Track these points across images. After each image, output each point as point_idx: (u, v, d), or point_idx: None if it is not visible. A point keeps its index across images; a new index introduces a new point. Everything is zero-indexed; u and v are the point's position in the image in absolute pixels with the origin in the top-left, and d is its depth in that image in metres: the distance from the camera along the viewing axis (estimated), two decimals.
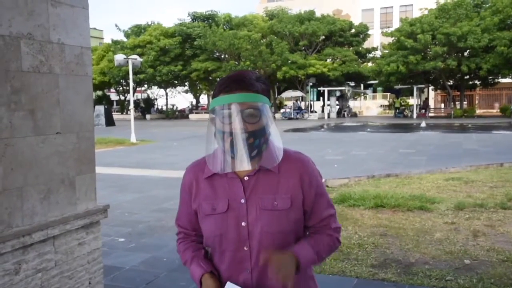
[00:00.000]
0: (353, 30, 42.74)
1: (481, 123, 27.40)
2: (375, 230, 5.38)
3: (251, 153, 1.37)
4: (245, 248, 1.46)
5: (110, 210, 3.18)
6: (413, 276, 3.97)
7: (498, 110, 42.49)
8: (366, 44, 44.96)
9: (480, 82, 39.82)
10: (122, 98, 52.50)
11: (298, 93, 40.92)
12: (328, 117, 39.46)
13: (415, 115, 37.43)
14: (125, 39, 47.00)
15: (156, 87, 50.50)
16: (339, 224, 1.58)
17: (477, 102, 50.33)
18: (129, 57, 21.37)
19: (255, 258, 1.46)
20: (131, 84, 20.62)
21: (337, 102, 41.26)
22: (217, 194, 1.50)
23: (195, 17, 45.77)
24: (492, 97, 50.07)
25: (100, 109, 31.74)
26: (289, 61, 38.52)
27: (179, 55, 42.89)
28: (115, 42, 45.85)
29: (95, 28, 68.03)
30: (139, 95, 55.26)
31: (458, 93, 40.82)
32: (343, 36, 41.75)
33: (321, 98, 43.54)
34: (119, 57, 20.86)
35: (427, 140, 17.18)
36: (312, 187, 1.50)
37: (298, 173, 1.49)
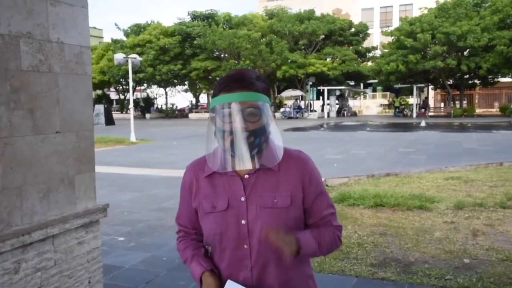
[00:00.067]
0: (352, 29, 42.73)
1: (481, 123, 27.41)
2: (375, 229, 5.38)
3: (251, 152, 1.37)
4: (245, 246, 1.46)
5: (110, 209, 3.18)
6: (412, 275, 3.97)
7: (498, 110, 42.51)
8: (366, 43, 44.96)
9: (479, 81, 39.85)
10: (122, 97, 52.48)
11: (297, 92, 40.93)
12: (328, 116, 39.46)
13: (414, 114, 37.44)
14: (124, 38, 46.99)
15: (155, 86, 50.49)
16: (339, 223, 1.59)
17: (476, 101, 50.33)
18: (129, 56, 21.38)
19: (255, 256, 1.46)
20: (131, 83, 20.62)
21: (336, 101, 41.25)
22: (217, 193, 1.50)
23: (194, 16, 45.76)
24: (492, 96, 50.08)
25: (100, 108, 31.72)
26: (289, 60, 38.52)
27: (178, 54, 42.88)
28: (115, 41, 45.83)
29: (94, 27, 68.02)
30: (138, 94, 55.24)
31: (458, 92, 40.83)
32: (342, 35, 41.74)
33: (321, 97, 43.53)
34: (119, 56, 20.85)
35: (426, 139, 17.18)
36: (312, 185, 1.51)
37: (298, 171, 1.50)
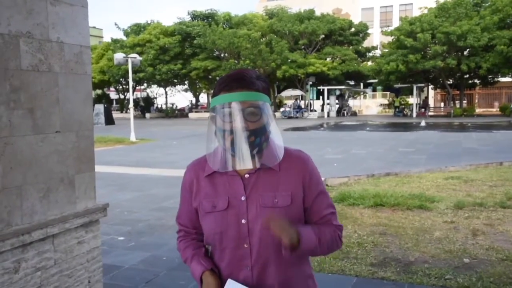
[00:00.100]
0: (352, 29, 42.72)
1: (481, 122, 27.41)
2: (375, 229, 5.38)
3: (252, 151, 1.37)
4: (245, 246, 1.46)
5: (110, 209, 3.18)
6: (412, 275, 3.98)
7: (498, 109, 42.51)
8: (366, 43, 44.95)
9: (479, 81, 39.84)
10: (122, 97, 52.46)
11: (297, 92, 40.92)
12: (328, 116, 39.46)
13: (414, 114, 37.44)
14: (124, 38, 46.97)
15: (155, 86, 50.48)
16: (340, 223, 1.58)
17: (476, 101, 50.33)
18: (129, 55, 21.37)
19: (256, 255, 1.46)
20: (131, 83, 20.62)
21: (336, 101, 41.26)
22: (217, 192, 1.50)
23: (194, 16, 45.75)
24: (492, 96, 50.09)
25: (100, 107, 31.72)
26: (289, 60, 38.52)
27: (178, 53, 42.87)
28: (115, 41, 45.81)
29: (94, 27, 67.97)
30: (138, 94, 55.24)
31: (458, 92, 40.82)
32: (342, 35, 41.73)
33: (321, 97, 43.52)
34: (119, 56, 20.85)
35: (426, 139, 17.18)
36: (312, 184, 1.51)
37: (299, 171, 1.50)
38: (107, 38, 54.02)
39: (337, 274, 4.07)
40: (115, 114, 39.71)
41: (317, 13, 43.00)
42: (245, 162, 1.37)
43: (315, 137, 19.22)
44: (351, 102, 46.54)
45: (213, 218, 1.49)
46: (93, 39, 58.18)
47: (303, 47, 41.15)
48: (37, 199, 2.52)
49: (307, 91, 42.19)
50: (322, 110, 41.71)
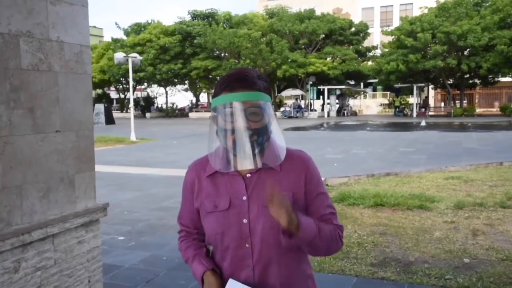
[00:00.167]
0: (353, 29, 42.72)
1: (481, 122, 27.40)
2: (375, 229, 5.38)
3: (254, 151, 1.37)
4: (247, 245, 1.46)
5: (110, 209, 3.17)
6: (412, 275, 3.97)
7: (498, 109, 42.51)
8: (366, 43, 44.95)
9: (480, 81, 39.84)
10: (122, 96, 52.48)
11: (298, 92, 40.92)
12: (328, 115, 39.46)
13: (415, 114, 37.44)
14: (125, 37, 46.98)
15: (156, 85, 50.48)
16: (341, 223, 1.58)
17: (477, 101, 50.35)
18: (129, 55, 21.36)
19: (257, 255, 1.46)
20: (131, 82, 20.61)
21: (337, 101, 41.26)
22: (219, 192, 1.50)
23: (195, 16, 45.74)
24: (492, 96, 50.08)
25: (100, 107, 31.71)
26: (289, 60, 38.51)
27: (179, 53, 42.87)
28: (115, 40, 45.83)
29: (94, 26, 67.95)
30: (139, 94, 55.25)
31: (458, 92, 40.82)
32: (343, 34, 41.72)
33: (321, 96, 43.53)
34: (119, 55, 20.85)
35: (426, 139, 17.18)
36: (313, 184, 1.51)
37: (300, 171, 1.50)
38: (107, 38, 54.09)
39: (337, 274, 4.07)
40: (115, 114, 39.71)
41: (318, 12, 42.99)
42: (247, 162, 1.36)
43: (315, 137, 19.22)
44: (351, 102, 46.54)
45: (214, 218, 1.49)
46: (94, 39, 58.20)
47: (303, 46, 41.14)
48: (37, 199, 2.52)
49: (307, 90, 42.19)
50: (322, 109, 41.71)
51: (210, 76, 43.16)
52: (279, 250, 1.44)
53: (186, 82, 48.99)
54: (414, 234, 5.16)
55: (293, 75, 39.52)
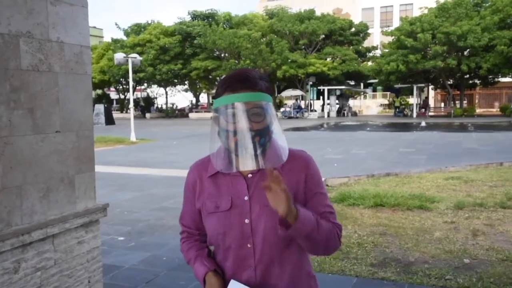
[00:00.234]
0: (353, 29, 42.75)
1: (481, 122, 27.40)
2: (375, 229, 5.38)
3: (256, 152, 1.36)
4: (249, 245, 1.46)
5: (110, 209, 3.17)
6: (412, 275, 3.97)
7: (498, 109, 42.50)
8: (366, 43, 44.97)
9: (480, 81, 39.84)
10: (122, 96, 52.48)
11: (298, 92, 40.93)
12: (328, 116, 39.46)
13: (415, 114, 37.44)
14: (125, 38, 46.99)
15: (156, 86, 50.49)
16: (339, 223, 1.58)
17: (477, 101, 50.35)
18: (129, 55, 21.36)
19: (259, 255, 1.46)
20: (131, 82, 20.62)
21: (337, 101, 41.26)
22: (220, 192, 1.50)
23: (195, 16, 45.76)
24: (492, 96, 50.08)
25: (100, 107, 31.73)
26: (289, 60, 38.53)
27: (179, 53, 42.88)
28: (115, 41, 45.83)
29: (94, 27, 67.95)
30: (139, 94, 55.23)
31: (458, 92, 40.83)
32: (343, 35, 41.75)
33: (321, 97, 43.54)
34: (119, 56, 20.85)
35: (426, 139, 17.18)
36: (313, 183, 1.51)
37: (301, 170, 1.50)
38: (107, 38, 54.09)
39: (337, 274, 4.07)
40: (115, 114, 39.72)
41: (317, 13, 43.02)
42: (249, 162, 1.36)
43: (315, 137, 19.22)
44: (351, 102, 46.55)
45: (216, 219, 1.49)
46: (93, 39, 58.20)
47: (303, 47, 41.16)
48: (37, 199, 2.52)
49: (307, 91, 42.20)
50: (322, 110, 41.71)
51: (210, 77, 43.17)
52: (281, 250, 1.44)
53: (186, 82, 49.00)
54: (414, 234, 5.16)
55: (293, 76, 39.54)
